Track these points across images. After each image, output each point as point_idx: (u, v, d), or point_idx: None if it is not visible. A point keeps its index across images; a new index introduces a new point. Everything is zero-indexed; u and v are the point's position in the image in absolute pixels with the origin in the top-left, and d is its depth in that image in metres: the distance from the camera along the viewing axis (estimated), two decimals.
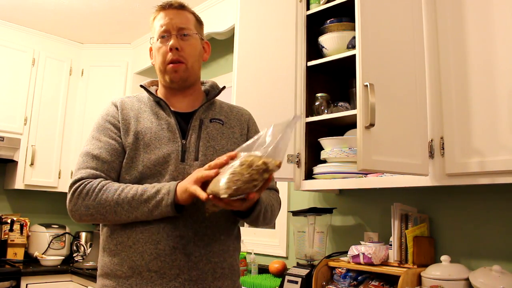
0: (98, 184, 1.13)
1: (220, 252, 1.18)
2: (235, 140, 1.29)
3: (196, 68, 1.30)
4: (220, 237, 1.18)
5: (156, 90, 1.34)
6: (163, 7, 1.30)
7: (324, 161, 1.98)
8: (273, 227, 2.59)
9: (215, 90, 1.37)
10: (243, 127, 1.34)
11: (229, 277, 1.20)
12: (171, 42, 1.25)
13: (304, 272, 1.92)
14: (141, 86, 1.34)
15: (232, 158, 1.03)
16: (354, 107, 1.87)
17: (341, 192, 2.20)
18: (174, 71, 1.25)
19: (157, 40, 1.28)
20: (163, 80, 1.29)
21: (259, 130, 1.38)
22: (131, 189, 1.11)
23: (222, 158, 1.05)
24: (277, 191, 1.36)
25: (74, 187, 1.14)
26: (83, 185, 1.13)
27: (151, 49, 1.35)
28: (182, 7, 1.31)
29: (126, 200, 1.10)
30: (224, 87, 1.37)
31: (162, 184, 1.12)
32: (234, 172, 0.97)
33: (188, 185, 1.07)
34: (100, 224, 1.23)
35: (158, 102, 1.29)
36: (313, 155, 2.02)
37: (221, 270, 1.17)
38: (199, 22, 1.35)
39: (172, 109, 1.27)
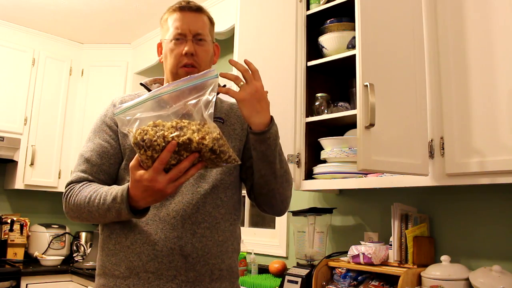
0: (77, 189, 1.14)
1: (218, 254, 1.17)
2: (236, 137, 1.29)
3: None
4: (218, 238, 1.18)
5: None
6: (181, 8, 1.26)
7: (324, 161, 1.98)
8: (273, 227, 2.60)
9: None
10: (243, 121, 1.33)
11: (227, 279, 1.19)
12: (186, 48, 1.22)
13: (304, 272, 1.92)
14: (141, 84, 1.33)
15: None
16: (354, 107, 1.87)
17: (341, 192, 2.20)
18: (186, 74, 1.23)
19: (171, 41, 1.25)
20: (173, 80, 1.27)
21: None
22: (96, 197, 1.09)
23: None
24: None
25: (64, 191, 1.18)
26: (70, 189, 1.16)
27: (159, 45, 1.33)
28: (199, 10, 1.28)
29: (94, 208, 1.09)
30: (225, 86, 1.36)
31: (117, 190, 1.05)
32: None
33: (131, 180, 0.99)
34: (100, 224, 1.23)
35: None
36: (313, 155, 2.02)
37: (219, 272, 1.17)
38: (212, 24, 1.34)
39: None
